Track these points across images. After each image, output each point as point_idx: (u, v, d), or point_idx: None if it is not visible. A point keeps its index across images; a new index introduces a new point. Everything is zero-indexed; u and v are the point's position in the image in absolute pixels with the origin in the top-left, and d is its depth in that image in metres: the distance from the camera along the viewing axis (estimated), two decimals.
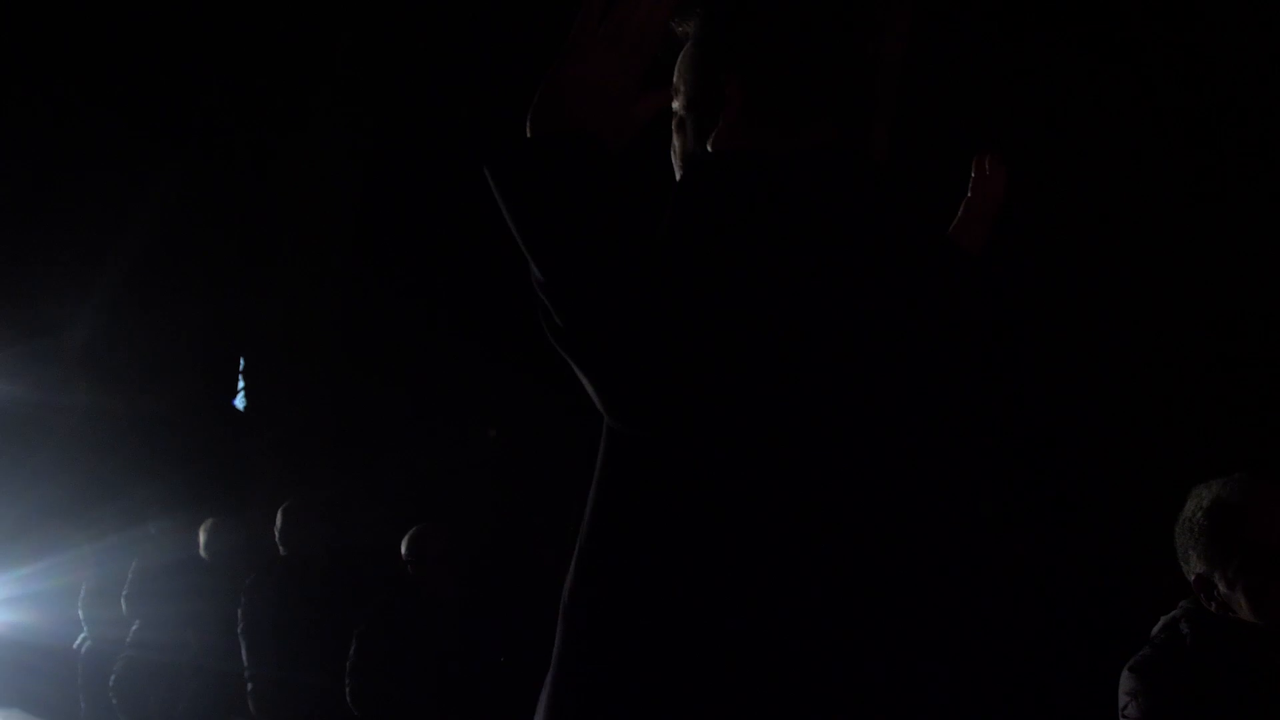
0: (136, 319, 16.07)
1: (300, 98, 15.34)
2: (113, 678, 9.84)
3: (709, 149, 2.19)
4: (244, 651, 7.98)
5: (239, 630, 8.01)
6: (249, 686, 7.93)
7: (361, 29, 14.60)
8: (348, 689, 6.84)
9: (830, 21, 2.20)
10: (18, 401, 16.64)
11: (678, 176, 2.23)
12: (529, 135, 1.97)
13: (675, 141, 2.28)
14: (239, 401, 17.38)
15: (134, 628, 9.98)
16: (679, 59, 2.26)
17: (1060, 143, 8.56)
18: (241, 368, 17.28)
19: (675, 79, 2.26)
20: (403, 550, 7.16)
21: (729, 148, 2.17)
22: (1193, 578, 3.59)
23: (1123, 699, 3.84)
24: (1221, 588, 3.49)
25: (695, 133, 2.24)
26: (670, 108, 2.19)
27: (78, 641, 10.87)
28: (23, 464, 16.17)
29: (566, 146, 1.91)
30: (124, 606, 10.11)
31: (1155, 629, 3.89)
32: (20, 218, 16.83)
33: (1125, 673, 3.87)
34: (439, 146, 13.47)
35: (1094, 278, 8.45)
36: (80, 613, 10.91)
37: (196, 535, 9.40)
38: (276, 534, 8.13)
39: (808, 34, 2.19)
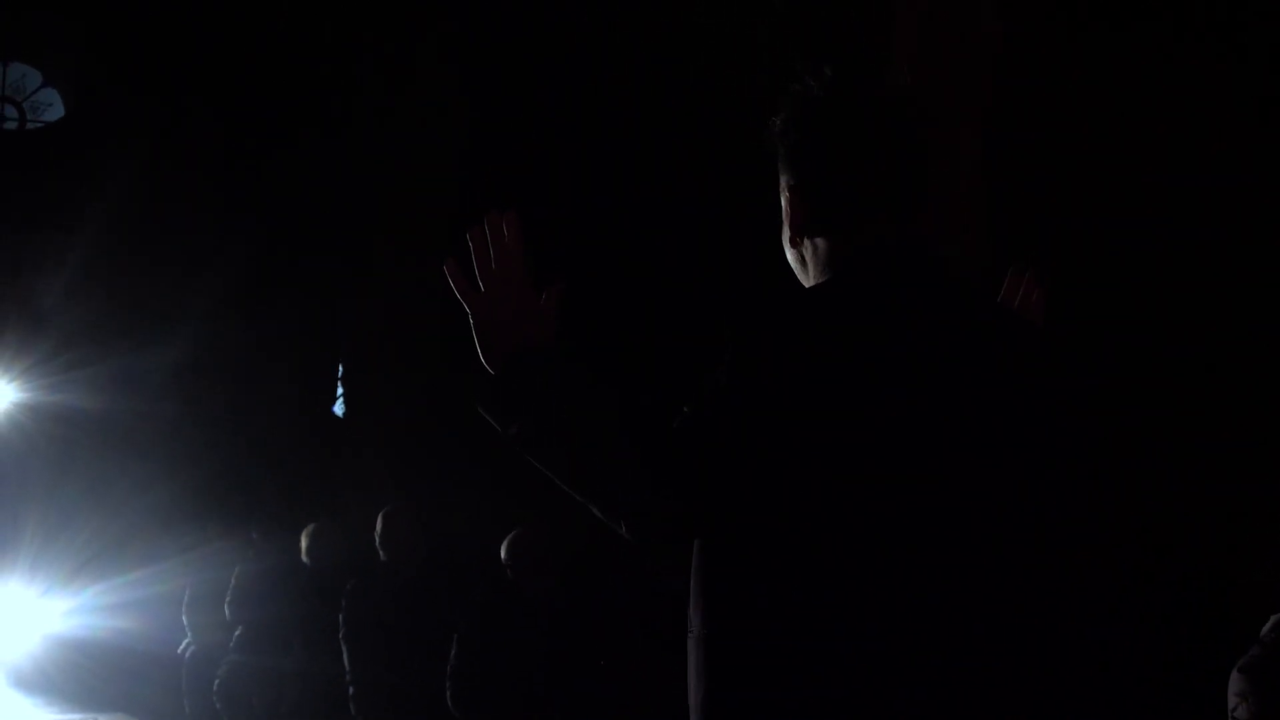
0: (237, 328, 16.22)
1: (398, 100, 15.43)
2: (216, 682, 9.91)
3: (787, 245, 2.49)
4: (346, 656, 8.00)
5: (341, 635, 8.03)
6: (351, 690, 7.95)
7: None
8: (449, 692, 6.85)
9: (875, 129, 2.42)
10: (122, 412, 16.85)
11: (789, 257, 2.52)
12: (490, 369, 2.38)
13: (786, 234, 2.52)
14: (338, 407, 17.49)
15: (237, 633, 10.05)
16: (782, 166, 2.50)
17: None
18: (340, 374, 17.40)
19: (782, 182, 2.50)
20: (502, 553, 7.16)
21: (794, 249, 2.48)
22: None
23: (1232, 700, 3.77)
24: None
25: (789, 231, 2.49)
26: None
27: (182, 647, 10.95)
28: (127, 473, 16.38)
29: (521, 367, 2.33)
30: (227, 612, 10.18)
31: (1265, 629, 3.82)
32: (122, 233, 17.05)
33: (1235, 673, 3.80)
34: (536, 145, 13.51)
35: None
36: (184, 618, 10.99)
37: (298, 541, 9.44)
38: (377, 539, 8.14)
39: (853, 144, 2.41)
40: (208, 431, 16.41)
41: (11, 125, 19.85)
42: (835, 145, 2.43)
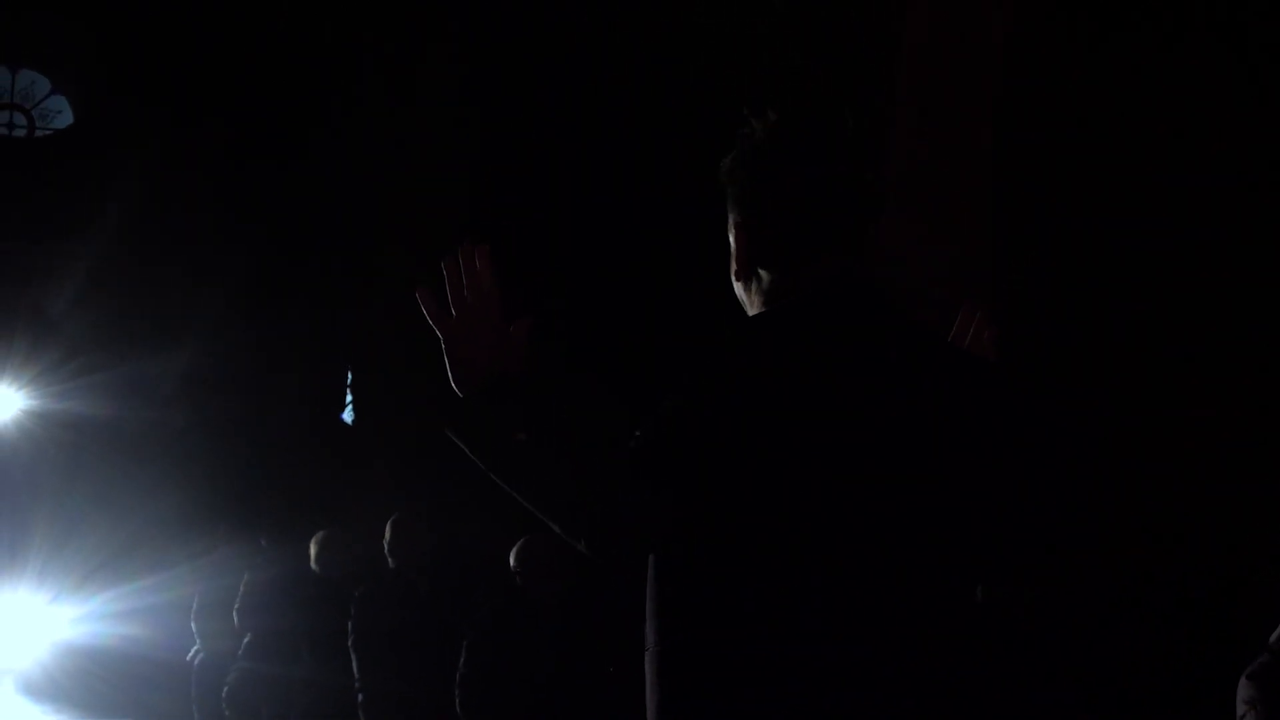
0: (245, 335, 16.24)
1: (404, 104, 15.45)
2: (225, 690, 9.92)
3: (739, 275, 2.64)
4: (355, 663, 8.01)
5: (350, 642, 8.04)
6: (360, 698, 7.96)
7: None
8: (457, 699, 6.85)
9: (816, 170, 2.57)
10: (131, 419, 16.87)
11: (736, 289, 2.69)
12: (460, 394, 2.54)
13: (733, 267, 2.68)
14: (347, 414, 17.51)
15: (246, 640, 10.05)
16: (728, 203, 2.67)
17: None
18: (349, 380, 17.42)
19: (730, 216, 2.67)
20: (511, 560, 7.17)
21: (740, 282, 2.64)
22: None
23: (1241, 708, 3.77)
24: None
25: (735, 265, 2.65)
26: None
27: (191, 654, 10.97)
28: (136, 480, 16.40)
29: (490, 394, 2.50)
30: (236, 619, 10.19)
31: (1274, 636, 3.81)
32: (130, 240, 17.07)
33: (1243, 680, 3.80)
34: (542, 148, 13.52)
35: None
36: (193, 626, 11.01)
37: (307, 548, 9.45)
38: (386, 546, 8.16)
39: (795, 185, 2.57)
40: (216, 439, 16.42)
41: (20, 132, 19.88)
42: (778, 186, 2.57)
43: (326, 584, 9.06)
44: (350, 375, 17.51)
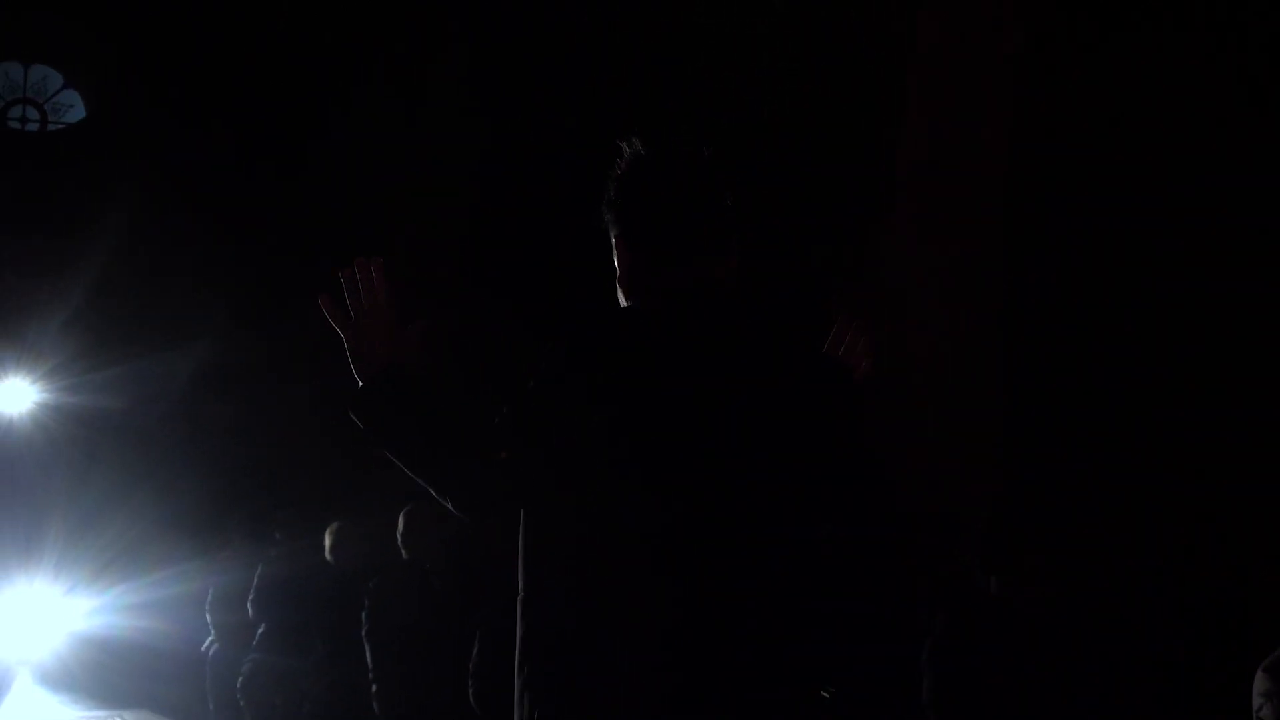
0: (258, 331, 16.26)
1: (414, 104, 15.47)
2: (240, 681, 9.96)
3: (619, 281, 3.11)
4: (368, 654, 8.04)
5: (363, 633, 8.07)
6: (373, 689, 7.99)
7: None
8: (471, 690, 6.88)
9: (676, 193, 3.05)
10: (145, 414, 16.90)
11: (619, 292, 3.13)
12: (359, 381, 3.01)
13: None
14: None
15: (260, 632, 10.09)
16: (607, 218, 3.13)
17: None
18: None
19: (609, 230, 3.12)
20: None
21: (628, 284, 3.09)
22: None
23: (1257, 700, 3.79)
24: None
25: (618, 269, 3.11)
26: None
27: (205, 645, 11.01)
28: (151, 474, 16.44)
29: (382, 381, 2.97)
30: (250, 611, 10.23)
31: None
32: (144, 235, 17.10)
33: (1260, 673, 3.82)
34: (549, 148, 13.52)
35: None
36: (208, 617, 11.04)
37: (321, 540, 9.48)
38: (399, 537, 8.19)
39: (667, 200, 3.05)
40: (230, 432, 16.44)
41: (33, 127, 19.91)
42: (644, 206, 3.06)
43: (340, 575, 9.09)
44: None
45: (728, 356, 2.92)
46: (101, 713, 13.06)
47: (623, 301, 3.12)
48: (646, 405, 2.81)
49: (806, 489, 2.93)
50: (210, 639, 11.00)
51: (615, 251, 3.12)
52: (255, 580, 10.19)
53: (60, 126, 19.89)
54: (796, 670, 2.92)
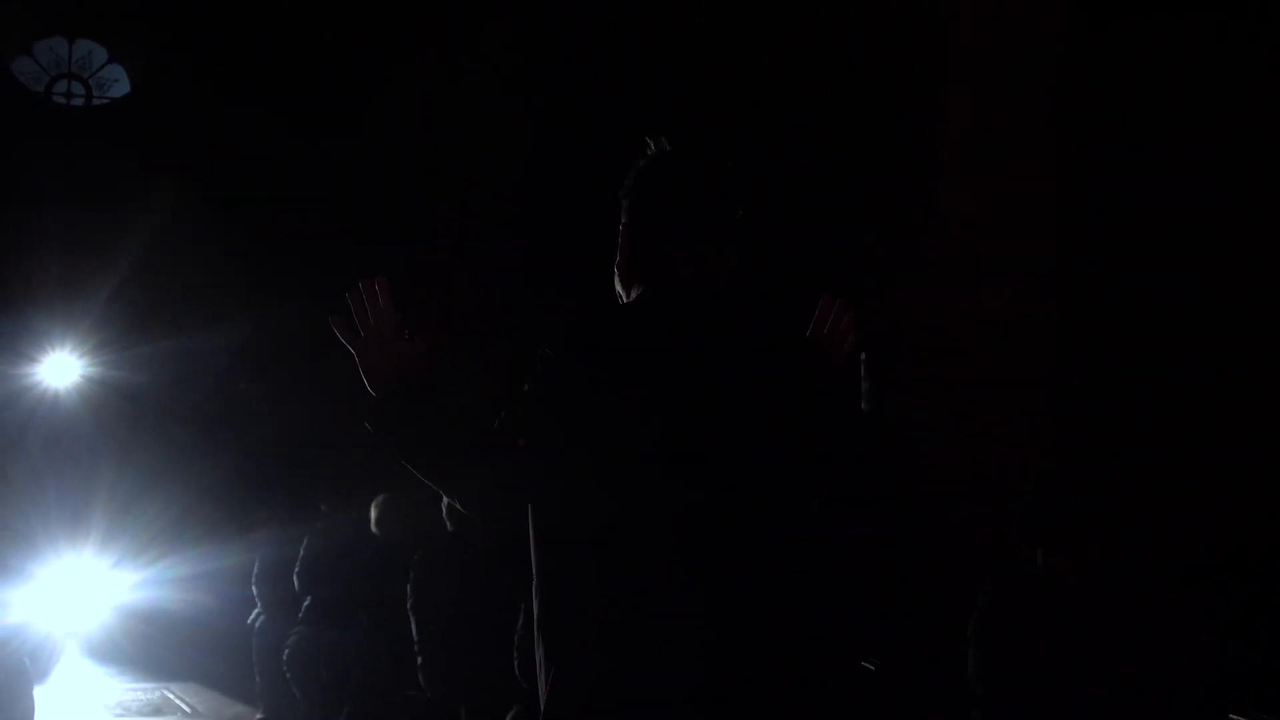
0: (302, 306, 16.31)
1: (458, 90, 15.48)
2: (286, 653, 10.01)
3: (620, 267, 3.29)
4: (414, 626, 8.07)
5: (409, 605, 8.10)
6: (419, 660, 8.03)
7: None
8: (516, 661, 6.89)
9: (684, 190, 3.22)
10: (191, 388, 16.99)
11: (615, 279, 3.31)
12: (374, 395, 3.17)
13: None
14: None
15: (306, 604, 10.14)
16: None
17: None
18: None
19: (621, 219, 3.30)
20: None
21: (625, 272, 3.27)
22: None
23: None
24: None
25: (619, 257, 3.29)
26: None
27: (251, 617, 11.07)
28: (196, 448, 16.53)
29: (391, 393, 3.13)
30: (296, 583, 10.28)
31: None
32: (191, 210, 17.16)
33: None
34: (593, 142, 13.51)
35: None
36: (254, 590, 11.11)
37: (367, 513, 9.52)
38: (444, 510, 8.20)
39: (673, 195, 3.22)
40: (275, 407, 16.51)
41: (78, 101, 19.99)
42: (654, 200, 3.23)
43: (386, 548, 9.13)
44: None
45: (719, 347, 3.07)
46: (148, 685, 13.14)
47: (617, 287, 3.32)
48: (650, 394, 2.95)
49: (800, 469, 3.09)
50: (256, 611, 11.06)
51: (620, 238, 3.30)
52: (301, 553, 10.25)
53: (104, 101, 19.97)
54: (816, 645, 3.04)
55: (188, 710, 11.72)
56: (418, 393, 3.12)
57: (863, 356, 3.69)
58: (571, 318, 3.06)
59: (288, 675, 10.02)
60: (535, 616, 3.03)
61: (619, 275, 3.31)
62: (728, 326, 3.12)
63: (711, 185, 3.27)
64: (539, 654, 3.01)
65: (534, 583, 3.06)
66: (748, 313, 3.17)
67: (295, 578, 10.33)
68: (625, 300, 3.27)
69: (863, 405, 3.66)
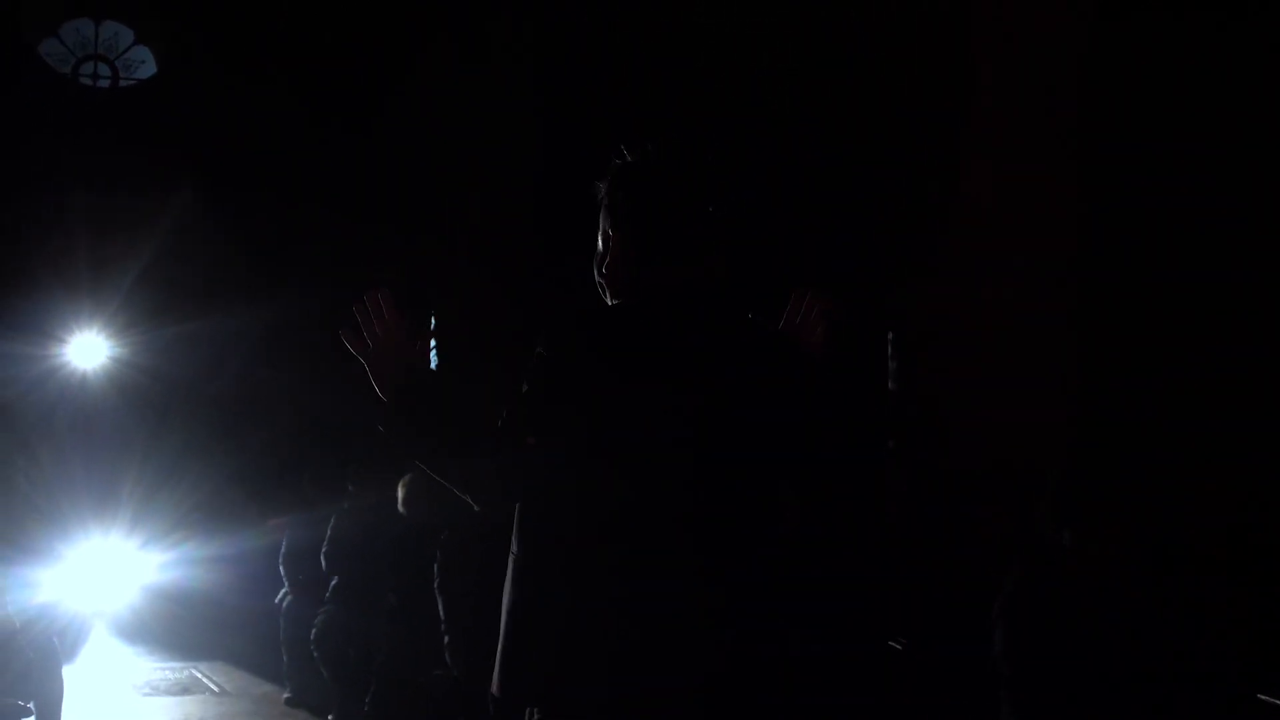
0: (330, 287, 16.35)
1: (479, 70, 15.48)
2: (313, 632, 10.05)
3: (604, 270, 3.42)
4: (441, 606, 8.07)
5: (435, 585, 8.11)
6: (446, 640, 8.03)
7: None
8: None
9: (665, 197, 3.36)
10: (218, 370, 17.05)
11: (596, 278, 3.46)
12: (385, 400, 3.34)
13: (596, 257, 3.46)
14: (432, 360, 17.61)
15: (333, 584, 10.18)
16: (601, 211, 3.44)
17: None
18: (433, 327, 17.52)
19: (601, 222, 3.44)
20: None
21: (614, 277, 3.39)
22: None
23: None
24: None
25: (601, 258, 3.42)
26: None
27: (279, 597, 11.12)
28: (224, 429, 16.60)
29: (399, 396, 3.31)
30: (323, 563, 10.32)
31: None
32: (217, 193, 17.21)
33: None
34: (608, 138, 13.48)
35: None
36: (281, 569, 11.15)
37: (394, 493, 9.53)
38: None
39: (663, 205, 3.35)
40: (302, 387, 16.55)
41: (105, 83, 20.03)
42: (637, 207, 3.36)
43: (413, 528, 9.13)
44: (434, 321, 17.61)
45: (716, 347, 3.24)
46: (176, 664, 13.20)
47: (599, 282, 3.48)
48: (653, 394, 3.12)
49: (798, 464, 3.33)
50: (284, 591, 11.11)
51: (601, 243, 3.45)
52: (328, 533, 10.29)
53: (131, 83, 20.01)
54: (825, 632, 3.25)
55: (215, 689, 11.77)
56: (425, 398, 3.29)
57: (890, 337, 3.78)
58: (565, 319, 3.23)
59: (315, 654, 10.06)
60: (511, 595, 3.28)
61: (607, 279, 3.45)
62: (723, 327, 3.30)
63: (696, 189, 3.42)
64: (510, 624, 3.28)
65: (518, 580, 3.28)
66: (741, 313, 3.34)
67: (322, 558, 10.37)
68: (612, 303, 3.43)
69: (889, 385, 3.76)
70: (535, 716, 3.21)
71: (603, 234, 3.45)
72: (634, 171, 3.41)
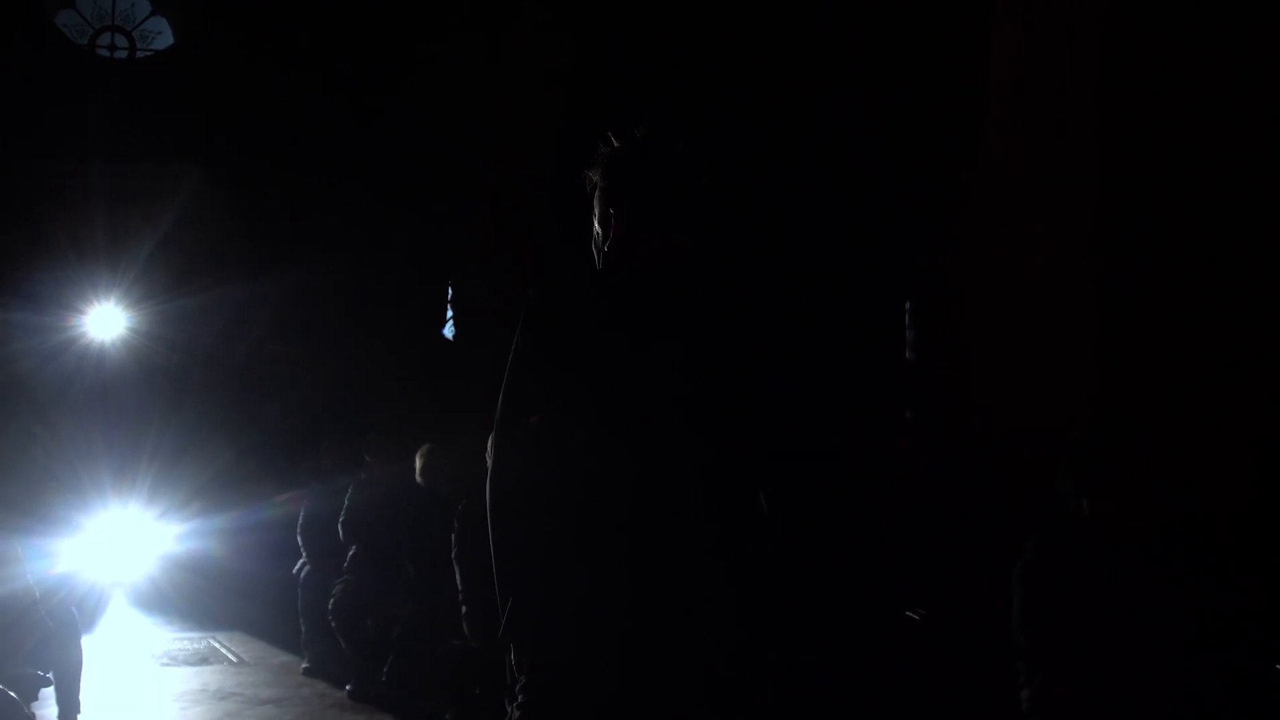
0: (348, 258, 16.38)
1: (500, 57, 15.45)
2: (331, 602, 10.07)
3: (607, 248, 3.66)
4: (458, 576, 8.09)
5: (453, 555, 8.13)
6: (463, 610, 8.05)
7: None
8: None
9: (653, 181, 3.61)
10: (233, 343, 17.07)
11: (597, 260, 3.71)
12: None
13: (595, 236, 3.73)
14: (448, 331, 17.62)
15: (351, 554, 10.20)
16: (595, 194, 3.70)
17: None
18: (450, 297, 17.52)
19: (594, 203, 3.71)
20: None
21: (617, 250, 3.62)
22: None
23: None
24: None
25: (603, 238, 3.68)
26: None
27: (297, 567, 11.14)
28: (241, 400, 16.62)
29: None
30: (341, 533, 10.34)
31: None
32: (236, 164, 17.20)
33: None
34: (632, 111, 13.43)
35: None
36: (299, 540, 11.17)
37: (411, 463, 9.54)
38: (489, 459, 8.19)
39: (659, 185, 3.61)
40: (320, 358, 16.57)
41: (122, 54, 20.02)
42: (627, 189, 3.63)
43: (430, 498, 9.15)
44: (451, 291, 17.61)
45: (713, 319, 3.47)
46: (194, 634, 13.25)
47: (598, 261, 3.72)
48: (657, 363, 3.35)
49: (779, 424, 3.51)
50: (302, 561, 11.13)
51: (598, 222, 3.71)
52: (346, 503, 10.30)
53: (148, 54, 19.99)
54: (840, 603, 3.37)
55: (234, 659, 11.80)
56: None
57: (908, 305, 3.84)
58: (561, 291, 3.49)
59: (332, 624, 10.08)
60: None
61: (610, 256, 3.66)
62: (718, 300, 3.52)
63: (688, 171, 3.65)
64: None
65: (504, 562, 3.64)
66: (735, 286, 3.54)
67: (340, 528, 10.39)
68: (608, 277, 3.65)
69: (907, 355, 3.86)
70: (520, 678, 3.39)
71: (600, 217, 3.69)
72: (626, 153, 3.66)
